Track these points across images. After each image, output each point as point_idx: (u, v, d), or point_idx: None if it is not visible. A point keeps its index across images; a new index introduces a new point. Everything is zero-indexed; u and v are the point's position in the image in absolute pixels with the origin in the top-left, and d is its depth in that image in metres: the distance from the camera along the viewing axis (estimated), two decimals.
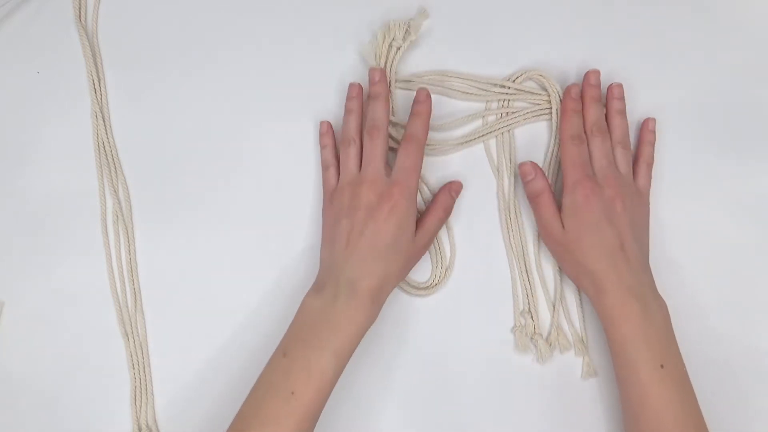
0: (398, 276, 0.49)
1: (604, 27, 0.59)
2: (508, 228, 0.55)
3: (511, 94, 0.57)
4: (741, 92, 0.58)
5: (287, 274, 0.54)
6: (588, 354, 0.52)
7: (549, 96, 0.56)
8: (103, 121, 0.57)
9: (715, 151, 0.56)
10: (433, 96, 0.53)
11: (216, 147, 0.57)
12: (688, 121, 0.57)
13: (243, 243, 0.55)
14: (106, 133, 0.57)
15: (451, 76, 0.57)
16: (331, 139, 0.54)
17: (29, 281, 0.54)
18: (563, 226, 0.49)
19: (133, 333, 0.52)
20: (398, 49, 0.56)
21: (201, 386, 0.52)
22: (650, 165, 0.54)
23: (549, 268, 0.54)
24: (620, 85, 0.54)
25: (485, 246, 0.55)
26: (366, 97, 0.54)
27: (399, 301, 0.53)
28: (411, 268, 0.51)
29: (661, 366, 0.45)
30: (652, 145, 0.54)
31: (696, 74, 0.58)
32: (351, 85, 0.54)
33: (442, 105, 0.57)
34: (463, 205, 0.55)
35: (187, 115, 0.58)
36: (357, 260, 0.47)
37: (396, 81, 0.57)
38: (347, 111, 0.53)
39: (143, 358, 0.52)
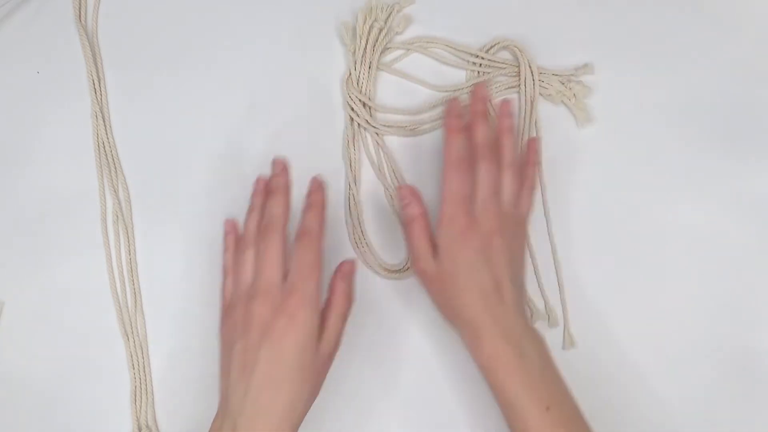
0: (309, 399, 0.43)
1: (603, 25, 0.59)
2: None
3: (484, 65, 0.58)
4: (741, 91, 0.58)
5: None
6: (568, 324, 0.52)
7: (519, 67, 0.57)
8: (103, 121, 0.57)
9: (715, 150, 0.56)
10: (410, 82, 0.56)
11: (216, 146, 0.57)
12: (687, 121, 0.57)
13: None
14: (106, 133, 0.57)
15: (435, 43, 0.59)
16: (233, 243, 0.49)
17: (29, 281, 0.54)
18: (436, 260, 0.46)
19: (133, 333, 0.52)
20: (380, 30, 0.57)
21: (201, 386, 0.52)
22: (533, 189, 0.51)
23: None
24: (511, 101, 0.52)
25: None
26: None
27: (375, 285, 0.54)
28: (322, 382, 0.44)
29: (547, 408, 0.42)
30: (537, 166, 0.52)
31: (695, 73, 0.58)
32: (257, 180, 0.50)
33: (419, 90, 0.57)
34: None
35: (187, 115, 0.58)
36: (255, 392, 0.41)
37: (379, 64, 0.58)
38: (249, 209, 0.48)
39: (143, 358, 0.52)
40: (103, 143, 0.57)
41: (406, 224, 0.48)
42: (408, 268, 0.53)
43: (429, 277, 0.47)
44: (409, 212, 0.48)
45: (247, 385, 0.41)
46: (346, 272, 0.46)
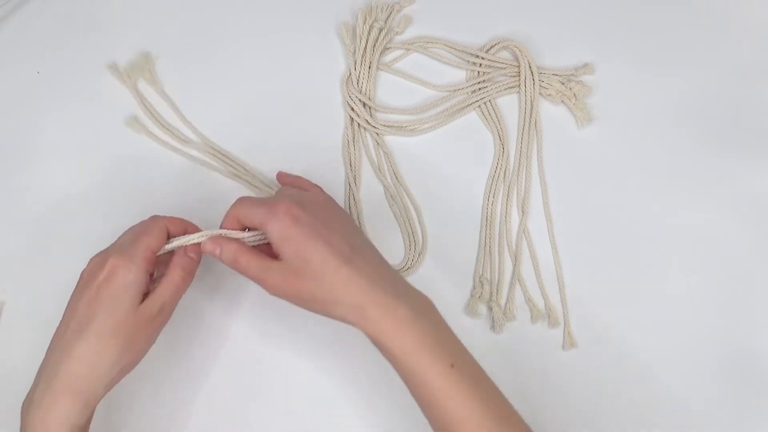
0: (119, 357, 0.41)
1: (603, 25, 0.59)
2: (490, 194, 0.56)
3: (484, 65, 0.58)
4: (741, 91, 0.58)
5: None
6: (569, 325, 0.52)
7: (519, 67, 0.57)
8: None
9: (715, 150, 0.56)
10: (410, 82, 0.56)
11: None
12: (687, 120, 0.57)
13: None
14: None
15: (435, 43, 0.59)
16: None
17: (29, 281, 0.54)
18: (282, 263, 0.42)
19: None
20: (380, 30, 0.57)
21: (202, 387, 0.52)
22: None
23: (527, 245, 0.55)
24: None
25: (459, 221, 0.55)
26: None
27: None
28: (143, 348, 0.43)
29: (451, 366, 0.39)
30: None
31: (695, 73, 0.58)
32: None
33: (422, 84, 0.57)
34: (446, 187, 0.56)
35: (186, 114, 0.58)
36: (62, 346, 0.41)
37: (378, 64, 0.58)
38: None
39: None
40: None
41: (232, 265, 0.43)
42: (408, 267, 0.54)
43: (283, 283, 0.42)
44: (228, 253, 0.43)
45: (59, 338, 0.42)
46: (188, 249, 0.45)
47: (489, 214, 0.55)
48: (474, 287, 0.53)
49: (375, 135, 0.57)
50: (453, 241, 0.55)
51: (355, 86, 0.58)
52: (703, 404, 0.47)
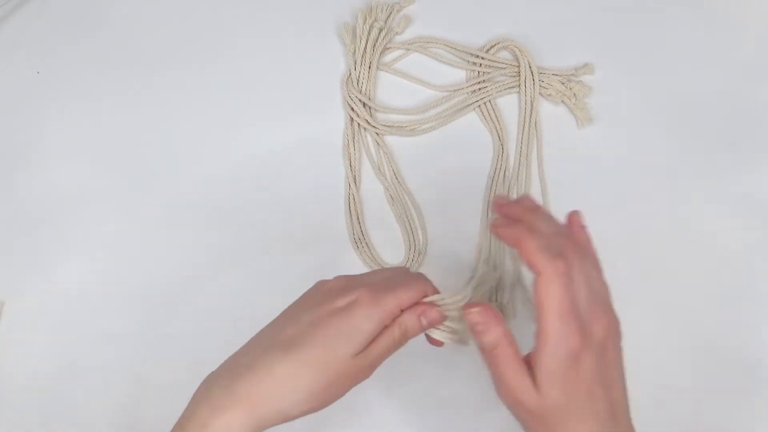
0: (306, 401, 0.36)
1: (603, 25, 0.59)
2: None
3: (484, 65, 0.58)
4: (741, 91, 0.58)
5: (298, 271, 0.54)
6: None
7: (519, 67, 0.57)
8: None
9: (715, 150, 0.56)
10: (410, 82, 0.56)
11: (215, 145, 0.57)
12: (687, 120, 0.57)
13: (243, 240, 0.55)
14: None
15: (435, 43, 0.60)
16: None
17: (29, 281, 0.54)
18: (537, 390, 0.36)
19: None
20: (380, 30, 0.57)
21: None
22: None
23: None
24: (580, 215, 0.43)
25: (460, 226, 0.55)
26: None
27: None
28: (334, 397, 0.37)
29: None
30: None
31: (695, 73, 0.58)
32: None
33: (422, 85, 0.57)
34: (446, 187, 0.56)
35: (186, 115, 0.58)
36: (266, 349, 0.37)
37: (378, 64, 0.58)
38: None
39: None
40: None
41: (487, 352, 0.38)
42: (408, 267, 0.53)
43: (529, 412, 0.36)
44: (490, 340, 0.37)
45: (271, 335, 0.38)
46: (424, 313, 0.40)
47: (489, 214, 0.55)
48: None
49: (375, 135, 0.57)
50: (453, 241, 0.55)
51: (355, 86, 0.58)
52: (703, 404, 0.47)
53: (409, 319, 0.39)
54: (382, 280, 0.40)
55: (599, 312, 0.37)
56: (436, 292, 0.41)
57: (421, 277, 0.41)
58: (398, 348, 0.39)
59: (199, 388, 0.37)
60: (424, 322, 0.39)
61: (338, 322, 0.37)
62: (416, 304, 0.39)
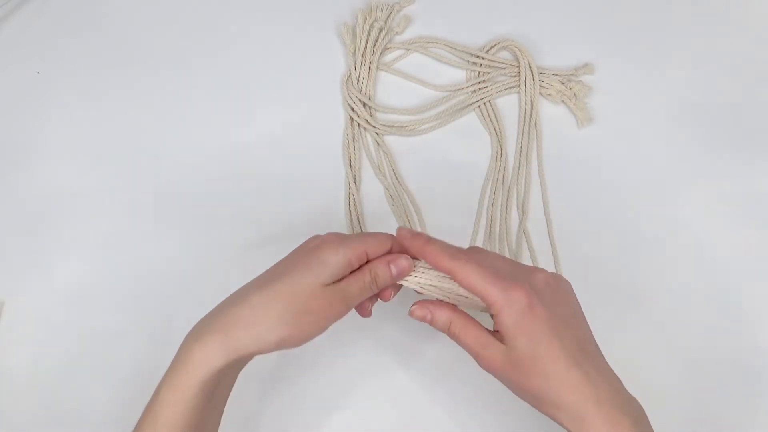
0: (283, 323, 0.38)
1: (603, 25, 0.59)
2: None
3: (484, 65, 0.58)
4: (741, 91, 0.58)
5: None
6: None
7: (519, 67, 0.57)
8: None
9: (716, 150, 0.56)
10: (410, 82, 0.56)
11: (215, 145, 0.57)
12: (687, 120, 0.57)
13: (243, 240, 0.55)
14: None
15: (435, 43, 0.60)
16: None
17: (29, 281, 0.54)
18: (507, 347, 0.39)
19: None
20: (380, 30, 0.57)
21: None
22: None
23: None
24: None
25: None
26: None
27: None
28: (308, 330, 0.39)
29: None
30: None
31: (696, 73, 0.58)
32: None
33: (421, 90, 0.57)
34: (446, 187, 0.56)
35: (186, 115, 0.58)
36: (245, 290, 0.40)
37: (378, 64, 0.58)
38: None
39: None
40: None
41: (449, 333, 0.42)
42: None
43: (502, 368, 0.40)
44: (442, 320, 0.42)
45: (253, 282, 0.41)
46: (394, 261, 0.43)
47: (489, 214, 0.55)
48: None
49: (375, 135, 0.57)
50: (453, 241, 0.55)
51: (355, 86, 0.58)
52: (704, 404, 0.47)
53: (378, 265, 0.42)
54: (354, 235, 0.43)
55: (527, 271, 0.41)
56: (404, 251, 0.44)
57: (390, 236, 0.44)
58: (370, 293, 0.42)
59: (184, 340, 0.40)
60: (394, 270, 0.42)
61: (307, 257, 0.40)
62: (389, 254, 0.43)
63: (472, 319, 0.41)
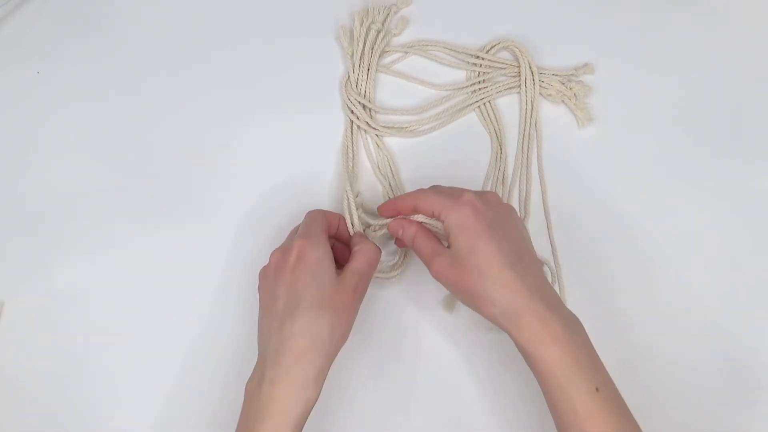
0: (333, 332, 0.42)
1: (603, 25, 0.59)
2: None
3: (484, 65, 0.58)
4: (741, 91, 0.58)
5: None
6: None
7: (519, 67, 0.57)
8: None
9: (716, 149, 0.56)
10: (410, 83, 0.57)
11: (215, 148, 0.57)
12: (687, 120, 0.57)
13: (242, 240, 0.55)
14: None
15: (434, 46, 0.60)
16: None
17: (29, 281, 0.54)
18: (450, 247, 0.44)
19: None
20: (378, 32, 0.57)
21: (206, 385, 0.52)
22: None
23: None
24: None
25: None
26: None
27: (374, 284, 0.53)
28: (349, 318, 0.44)
29: (596, 389, 0.39)
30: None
31: (696, 73, 0.58)
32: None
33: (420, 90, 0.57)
34: (442, 184, 0.55)
35: (185, 117, 0.58)
36: (278, 327, 0.42)
37: (377, 66, 0.58)
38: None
39: None
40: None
41: (413, 246, 0.46)
42: (402, 263, 0.53)
43: (447, 271, 0.43)
44: (409, 233, 0.46)
45: (272, 320, 0.43)
46: (404, 225, 0.47)
47: None
48: None
49: (375, 137, 0.57)
50: None
51: (354, 89, 0.58)
52: (704, 404, 0.47)
53: (362, 237, 0.48)
54: (299, 229, 0.46)
55: (461, 191, 0.45)
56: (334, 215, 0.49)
57: (316, 210, 0.48)
58: (377, 259, 0.47)
59: (247, 393, 0.42)
60: (402, 233, 0.47)
61: (300, 270, 0.43)
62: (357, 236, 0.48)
63: (433, 234, 0.46)
